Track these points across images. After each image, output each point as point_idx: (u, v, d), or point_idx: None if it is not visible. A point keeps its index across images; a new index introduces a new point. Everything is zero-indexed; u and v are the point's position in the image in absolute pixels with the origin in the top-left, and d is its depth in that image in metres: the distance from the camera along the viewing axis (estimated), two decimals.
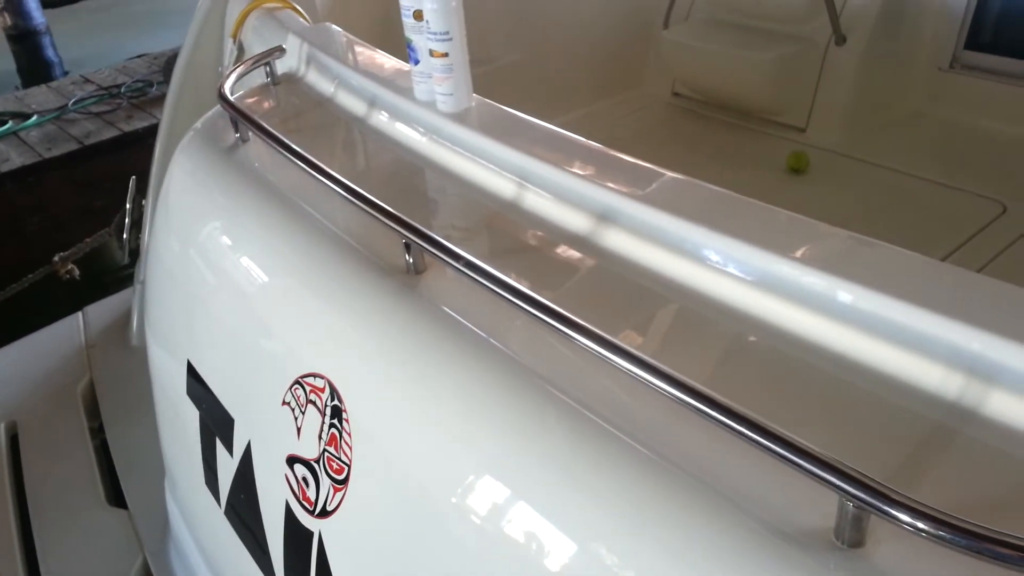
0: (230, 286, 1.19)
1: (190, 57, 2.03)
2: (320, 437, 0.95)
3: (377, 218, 0.93)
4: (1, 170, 3.93)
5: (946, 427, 0.69)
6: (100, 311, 2.48)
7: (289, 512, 1.00)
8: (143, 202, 2.30)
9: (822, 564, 0.59)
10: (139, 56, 5.13)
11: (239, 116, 1.24)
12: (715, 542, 0.64)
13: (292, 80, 1.50)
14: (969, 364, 0.69)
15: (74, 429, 2.05)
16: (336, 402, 0.93)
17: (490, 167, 1.09)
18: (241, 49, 1.91)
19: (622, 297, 0.89)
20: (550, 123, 1.13)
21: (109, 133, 4.18)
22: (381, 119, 1.29)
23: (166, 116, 2.14)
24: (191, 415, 1.27)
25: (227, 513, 1.18)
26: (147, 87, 4.64)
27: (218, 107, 1.39)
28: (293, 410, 1.00)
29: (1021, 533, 0.52)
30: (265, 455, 1.07)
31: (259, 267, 1.14)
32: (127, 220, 2.31)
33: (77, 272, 2.56)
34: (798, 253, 0.81)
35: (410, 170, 1.19)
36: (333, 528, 0.93)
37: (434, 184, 1.17)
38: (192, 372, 1.26)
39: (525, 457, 0.77)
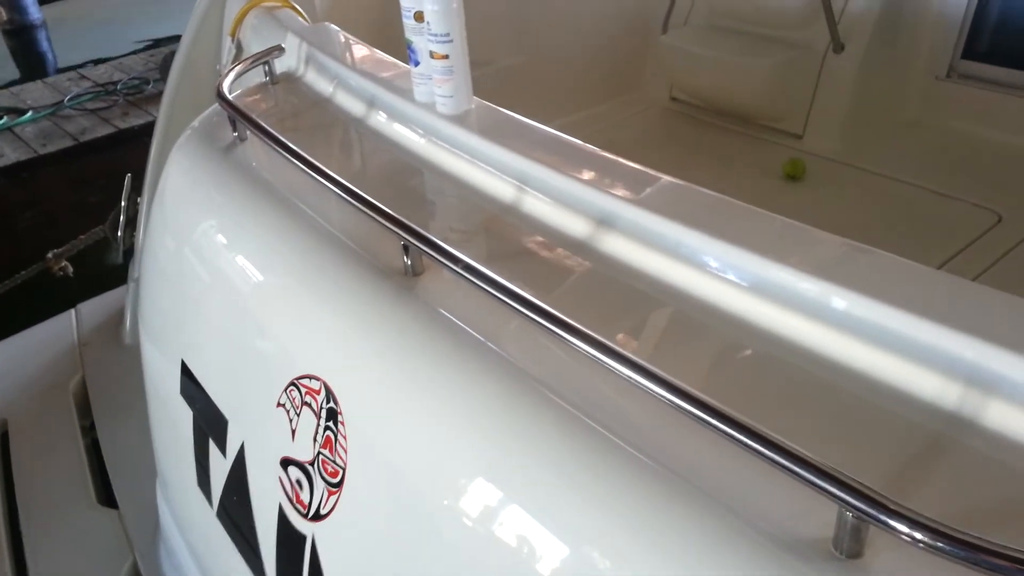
0: (226, 286, 1.18)
1: (188, 55, 2.02)
2: (315, 439, 0.94)
3: (375, 219, 0.93)
4: None
5: (944, 437, 0.69)
6: (93, 309, 2.47)
7: (282, 515, 0.99)
8: (138, 200, 2.29)
9: (820, 574, 0.59)
10: (144, 47, 5.09)
11: (237, 115, 1.24)
12: (713, 550, 0.63)
13: (291, 79, 1.49)
14: (966, 373, 0.69)
15: (65, 428, 2.04)
16: (332, 404, 0.92)
17: (489, 170, 1.09)
18: (239, 48, 1.90)
19: (620, 301, 0.89)
20: (547, 126, 1.13)
21: (104, 130, 4.17)
22: (380, 120, 1.28)
23: (163, 114, 2.13)
24: (184, 415, 1.26)
25: (219, 515, 1.18)
26: (143, 84, 4.62)
27: (216, 105, 1.38)
28: (288, 411, 0.99)
29: (1019, 545, 0.52)
30: (259, 456, 1.06)
31: (255, 267, 1.13)
32: (122, 218, 2.30)
33: (70, 269, 2.54)
34: (795, 259, 0.81)
35: (409, 172, 1.19)
36: (327, 532, 0.93)
37: (433, 186, 1.16)
38: (186, 372, 1.25)
39: (522, 461, 0.76)
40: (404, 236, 0.90)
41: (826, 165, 2.51)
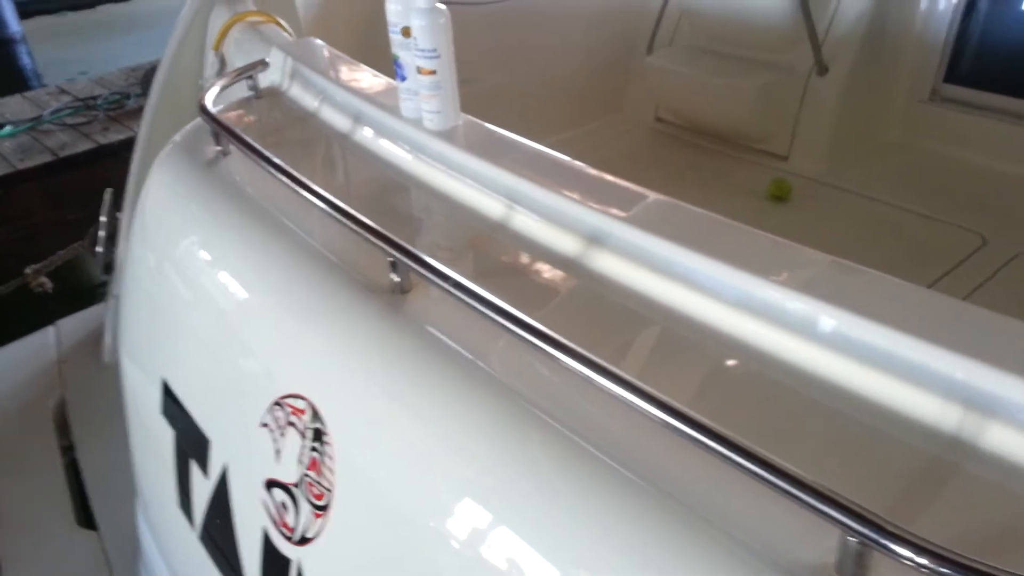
0: (209, 303, 1.16)
1: (170, 69, 2.00)
2: (300, 461, 0.92)
3: (363, 236, 0.91)
4: None
5: (943, 459, 0.68)
6: (73, 326, 2.43)
7: (267, 539, 0.97)
8: (118, 215, 2.26)
9: None
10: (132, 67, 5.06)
11: (221, 129, 1.22)
12: (710, 575, 0.62)
13: (275, 94, 1.48)
14: (964, 395, 0.69)
15: (44, 447, 2.00)
16: (318, 424, 0.90)
17: (477, 186, 1.08)
18: (223, 62, 1.89)
19: (611, 319, 0.88)
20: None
21: (84, 145, 4.12)
22: (366, 135, 1.27)
23: (144, 128, 2.11)
24: (166, 435, 1.23)
25: (202, 537, 1.15)
26: (124, 99, 4.58)
27: (199, 119, 1.37)
28: (272, 432, 0.97)
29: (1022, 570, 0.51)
30: (242, 478, 1.04)
31: (239, 284, 1.11)
32: (102, 233, 2.27)
33: (50, 285, 2.50)
34: (790, 278, 0.81)
35: (395, 188, 1.18)
36: (313, 557, 0.90)
37: (420, 202, 1.15)
38: (167, 391, 1.22)
39: (514, 484, 0.75)
40: (393, 253, 0.89)
41: (811, 186, 2.52)
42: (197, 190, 1.25)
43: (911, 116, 2.58)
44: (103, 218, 2.26)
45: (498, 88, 2.63)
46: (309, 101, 1.40)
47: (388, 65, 1.42)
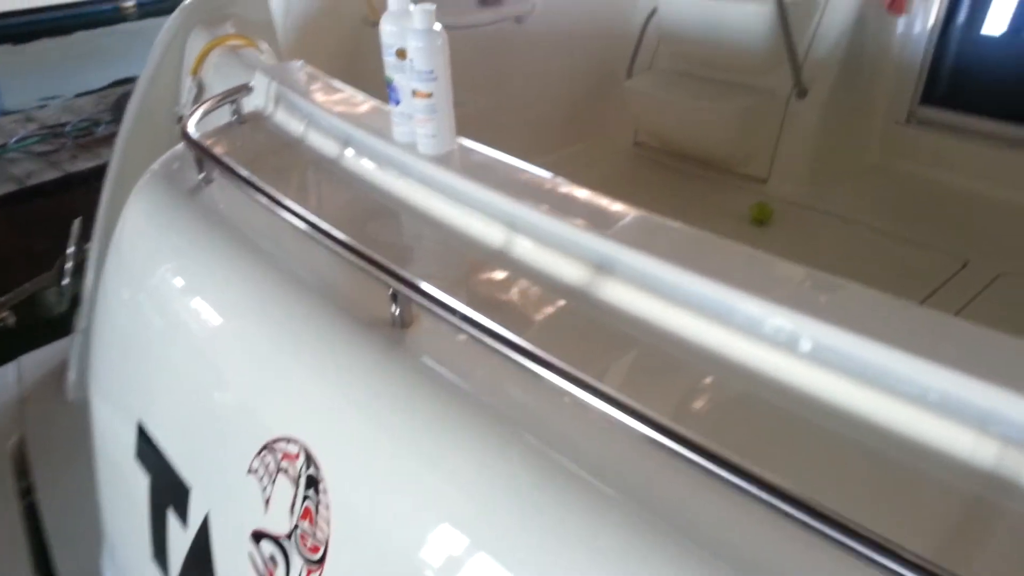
0: (190, 339, 1.09)
1: (145, 95, 1.93)
2: (292, 510, 0.85)
3: (361, 267, 0.86)
4: None
5: (980, 497, 0.64)
6: (36, 361, 2.32)
7: None
8: (86, 246, 2.17)
9: None
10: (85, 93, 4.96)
11: (205, 155, 1.16)
12: None
13: (259, 119, 1.42)
14: (979, 420, 0.65)
15: (0, 489, 1.89)
16: (312, 471, 0.83)
17: (476, 213, 1.03)
18: (201, 87, 1.83)
19: (624, 350, 0.83)
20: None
21: (52, 174, 4.00)
22: (356, 161, 1.22)
23: (117, 156, 2.03)
24: (139, 480, 1.15)
25: None
26: (93, 126, 4.47)
27: (179, 146, 1.31)
28: (261, 478, 0.90)
29: None
30: (226, 529, 0.96)
31: (224, 318, 1.04)
32: (69, 265, 2.18)
33: (13, 320, 2.39)
34: (800, 301, 0.77)
35: (388, 215, 1.12)
36: None
37: (414, 230, 1.10)
38: (143, 433, 1.14)
39: (533, 535, 0.69)
40: (393, 284, 0.83)
41: (792, 209, 2.51)
42: (178, 219, 1.18)
43: (889, 138, 2.59)
44: (71, 249, 2.18)
45: (476, 113, 2.60)
46: (295, 126, 1.34)
47: (370, 88, 1.38)
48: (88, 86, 4.83)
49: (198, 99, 1.85)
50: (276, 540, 0.87)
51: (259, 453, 0.90)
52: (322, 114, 1.30)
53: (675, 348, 0.82)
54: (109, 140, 4.01)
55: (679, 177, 2.78)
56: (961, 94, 2.47)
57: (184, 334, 1.10)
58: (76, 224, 2.19)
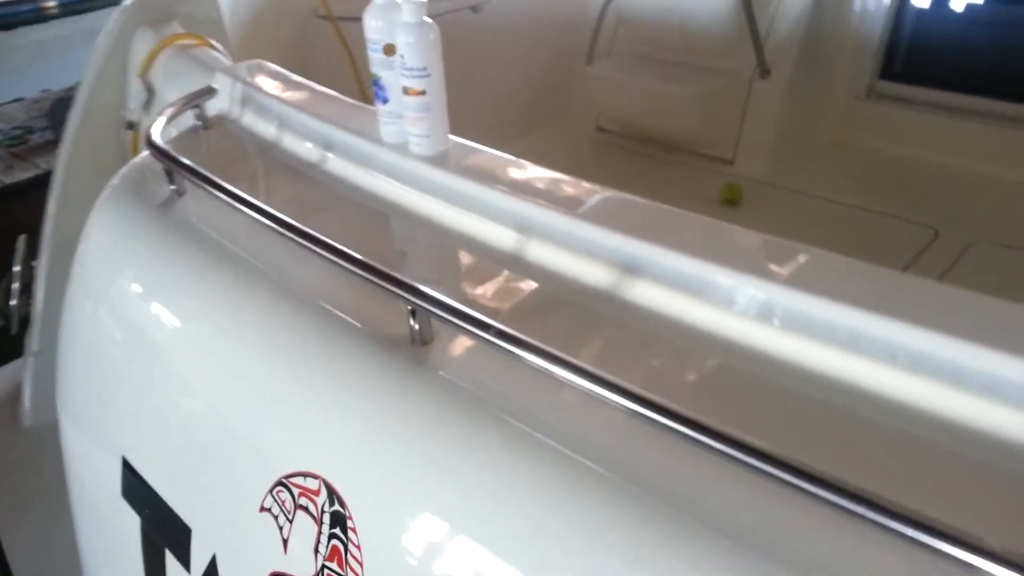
0: (180, 367, 1.00)
1: (89, 100, 1.81)
2: (317, 551, 0.79)
3: (373, 282, 0.79)
4: None
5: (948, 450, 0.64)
6: None
7: None
8: (33, 264, 2.04)
9: None
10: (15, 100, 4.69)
11: (175, 166, 1.07)
12: None
13: (225, 123, 1.33)
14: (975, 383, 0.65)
15: None
16: (337, 507, 0.77)
17: (483, 215, 0.97)
18: (151, 90, 1.72)
19: (659, 356, 0.78)
20: None
21: None
22: (341, 165, 1.14)
23: (61, 166, 1.90)
24: (128, 521, 1.06)
25: None
26: (27, 134, 4.22)
27: (142, 156, 1.21)
28: (276, 517, 0.83)
29: None
30: (238, 572, 0.89)
31: (219, 345, 0.96)
32: (15, 284, 2.04)
33: None
34: (791, 278, 0.77)
35: (382, 221, 1.06)
36: None
37: (416, 237, 1.03)
38: (129, 469, 1.06)
39: (588, 561, 0.64)
40: (412, 299, 0.77)
41: (761, 188, 2.51)
42: (153, 236, 1.09)
43: (851, 114, 2.61)
44: (16, 267, 2.04)
45: None
46: (267, 129, 1.26)
47: (323, 84, 1.29)
48: (13, 91, 4.56)
49: (149, 103, 1.74)
50: None
51: (272, 490, 0.83)
52: (297, 115, 1.22)
53: (714, 348, 0.77)
54: (46, 148, 3.79)
55: (645, 161, 2.75)
56: (919, 68, 2.50)
57: (172, 361, 1.01)
58: (21, 241, 2.05)
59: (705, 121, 2.63)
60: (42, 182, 2.04)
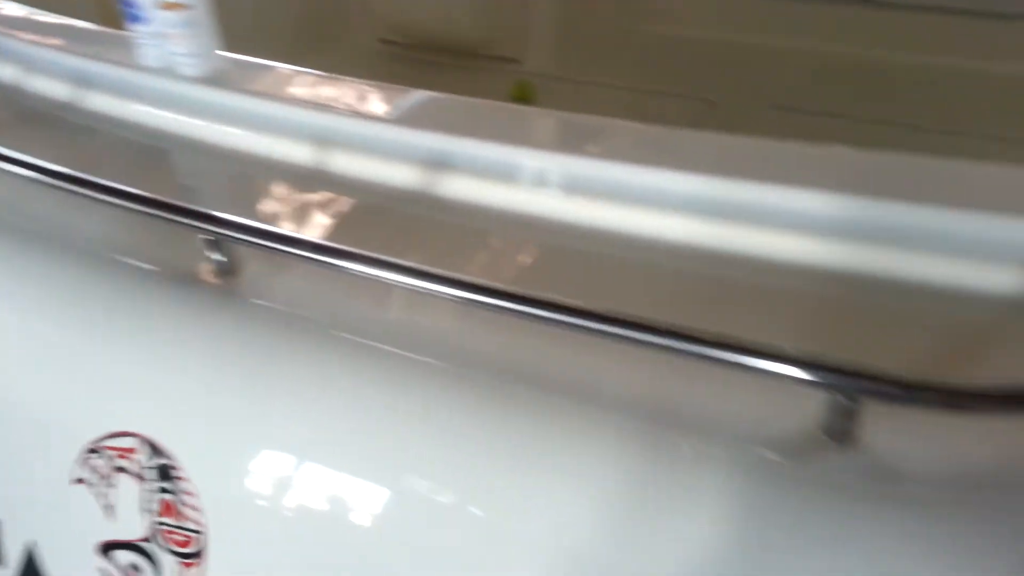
0: None
1: None
2: (147, 509, 0.74)
3: (165, 217, 0.72)
4: None
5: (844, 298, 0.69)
6: None
7: None
8: None
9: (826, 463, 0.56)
10: None
11: None
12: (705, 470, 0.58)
13: None
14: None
15: None
16: (162, 460, 0.72)
17: (274, 133, 0.91)
18: None
19: (477, 244, 0.79)
20: None
21: None
22: (100, 101, 1.02)
23: None
24: None
25: None
26: None
27: None
28: (93, 486, 0.76)
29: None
30: (62, 553, 0.82)
31: None
32: None
33: None
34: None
35: (161, 156, 0.97)
36: None
37: (203, 167, 0.95)
38: None
39: (427, 449, 0.65)
40: (211, 228, 0.71)
41: (551, 83, 2.55)
42: None
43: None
44: None
45: None
46: (2, 72, 1.10)
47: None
48: None
49: None
50: (133, 546, 0.76)
51: (82, 458, 0.76)
52: (36, 51, 1.07)
53: (524, 230, 0.79)
54: None
55: (432, 70, 2.70)
56: None
57: None
58: None
59: (485, 18, 2.61)
60: None
